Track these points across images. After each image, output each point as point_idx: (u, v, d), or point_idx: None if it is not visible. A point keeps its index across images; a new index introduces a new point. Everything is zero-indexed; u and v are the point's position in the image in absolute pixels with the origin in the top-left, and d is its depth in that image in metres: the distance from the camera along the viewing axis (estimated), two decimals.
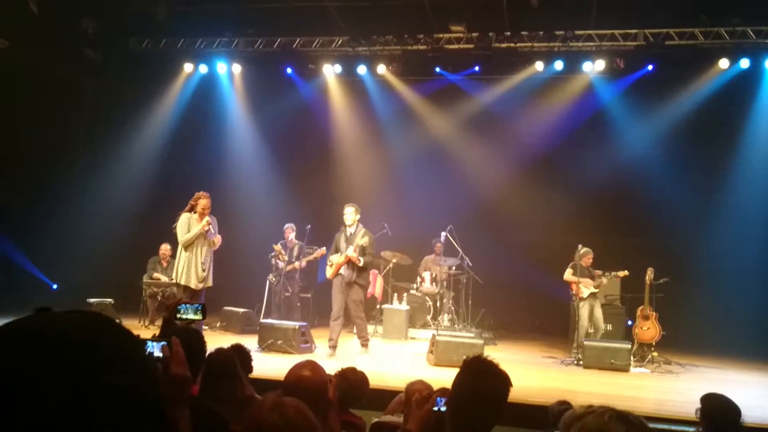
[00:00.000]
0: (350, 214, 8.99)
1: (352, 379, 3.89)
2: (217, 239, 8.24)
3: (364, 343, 9.04)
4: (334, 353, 8.73)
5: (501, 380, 2.60)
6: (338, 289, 8.85)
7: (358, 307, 8.88)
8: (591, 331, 10.05)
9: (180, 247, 8.11)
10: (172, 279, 11.03)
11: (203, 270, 8.12)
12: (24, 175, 11.95)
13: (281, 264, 11.33)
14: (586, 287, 9.95)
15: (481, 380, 2.57)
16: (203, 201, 8.15)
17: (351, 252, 8.71)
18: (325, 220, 11.32)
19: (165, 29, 12.44)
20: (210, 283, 8.29)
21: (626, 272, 10.03)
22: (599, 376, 8.54)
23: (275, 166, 13.34)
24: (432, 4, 11.41)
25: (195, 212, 8.13)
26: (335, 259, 8.93)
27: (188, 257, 8.04)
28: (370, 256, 8.89)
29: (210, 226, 8.12)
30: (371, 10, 11.63)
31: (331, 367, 3.95)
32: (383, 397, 4.63)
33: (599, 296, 10.27)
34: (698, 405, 3.87)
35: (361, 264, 8.73)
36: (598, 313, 10.10)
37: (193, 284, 8.02)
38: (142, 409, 0.85)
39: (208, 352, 3.52)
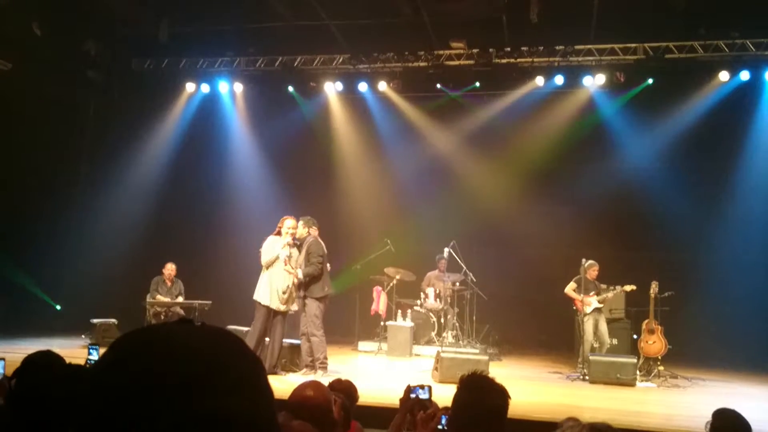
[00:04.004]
0: (298, 229, 8.59)
1: (342, 390, 3.88)
2: (295, 272, 8.35)
3: (321, 365, 8.31)
4: (316, 371, 8.32)
5: (498, 394, 2.60)
6: (300, 307, 8.65)
7: (312, 323, 8.35)
8: (596, 345, 9.97)
9: (263, 268, 8.36)
10: (176, 299, 11.09)
11: (283, 293, 8.32)
12: (26, 196, 11.97)
13: None
14: (587, 305, 9.88)
15: (478, 396, 2.56)
16: (287, 222, 8.35)
17: (284, 266, 8.56)
18: (327, 237, 11.31)
19: (167, 49, 12.52)
20: (292, 308, 8.52)
21: (633, 287, 9.91)
22: (605, 391, 8.49)
23: (278, 185, 13.35)
24: (432, 21, 11.47)
25: (281, 235, 8.34)
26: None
27: (269, 278, 8.30)
28: (312, 266, 8.38)
29: (289, 247, 8.33)
30: (372, 27, 11.69)
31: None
32: (387, 415, 4.60)
33: (604, 310, 10.21)
34: (707, 419, 3.83)
35: (299, 276, 8.35)
36: (603, 327, 10.03)
37: (275, 305, 8.27)
38: None
39: None
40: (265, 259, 8.36)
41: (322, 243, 8.69)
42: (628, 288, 9.97)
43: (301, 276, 8.37)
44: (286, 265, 8.39)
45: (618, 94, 12.04)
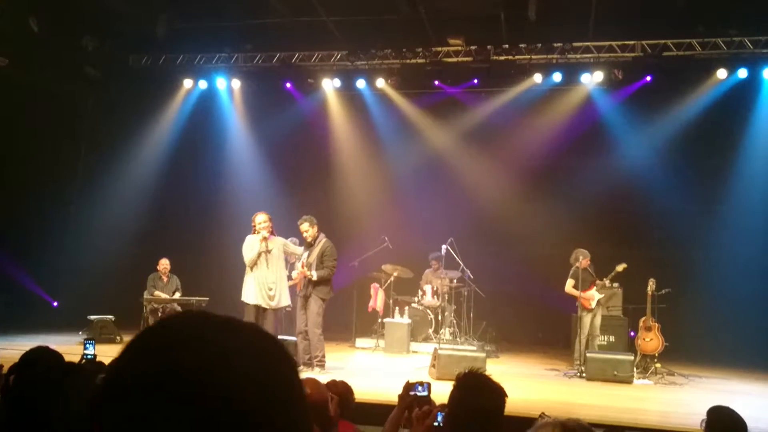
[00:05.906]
0: (306, 231, 8.65)
1: (338, 392, 3.86)
2: (299, 271, 8.37)
3: (319, 363, 8.41)
4: (313, 369, 8.35)
5: (495, 393, 2.60)
6: (300, 305, 8.67)
7: (313, 321, 8.40)
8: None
9: (247, 268, 8.37)
10: (173, 295, 11.08)
11: (270, 289, 8.30)
12: (24, 193, 11.95)
13: None
14: (592, 299, 9.81)
15: (475, 394, 2.56)
16: (257, 218, 8.38)
17: (299, 266, 8.53)
18: (324, 234, 11.32)
19: (164, 46, 12.49)
20: (283, 303, 8.51)
21: (624, 264, 9.69)
22: (602, 388, 8.49)
23: (275, 181, 13.34)
24: (430, 18, 11.45)
25: (257, 233, 8.32)
26: (295, 275, 9.02)
27: (253, 276, 8.30)
28: (327, 269, 8.45)
29: (266, 242, 8.30)
30: (369, 24, 11.67)
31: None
32: (384, 412, 4.60)
33: (602, 306, 10.17)
34: (703, 417, 3.84)
35: (314, 278, 8.38)
36: (597, 321, 9.95)
37: (264, 303, 8.26)
38: None
39: None
40: (247, 258, 8.34)
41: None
42: (620, 267, 9.75)
43: (315, 277, 8.37)
44: (303, 267, 8.43)
45: (616, 91, 12.03)
